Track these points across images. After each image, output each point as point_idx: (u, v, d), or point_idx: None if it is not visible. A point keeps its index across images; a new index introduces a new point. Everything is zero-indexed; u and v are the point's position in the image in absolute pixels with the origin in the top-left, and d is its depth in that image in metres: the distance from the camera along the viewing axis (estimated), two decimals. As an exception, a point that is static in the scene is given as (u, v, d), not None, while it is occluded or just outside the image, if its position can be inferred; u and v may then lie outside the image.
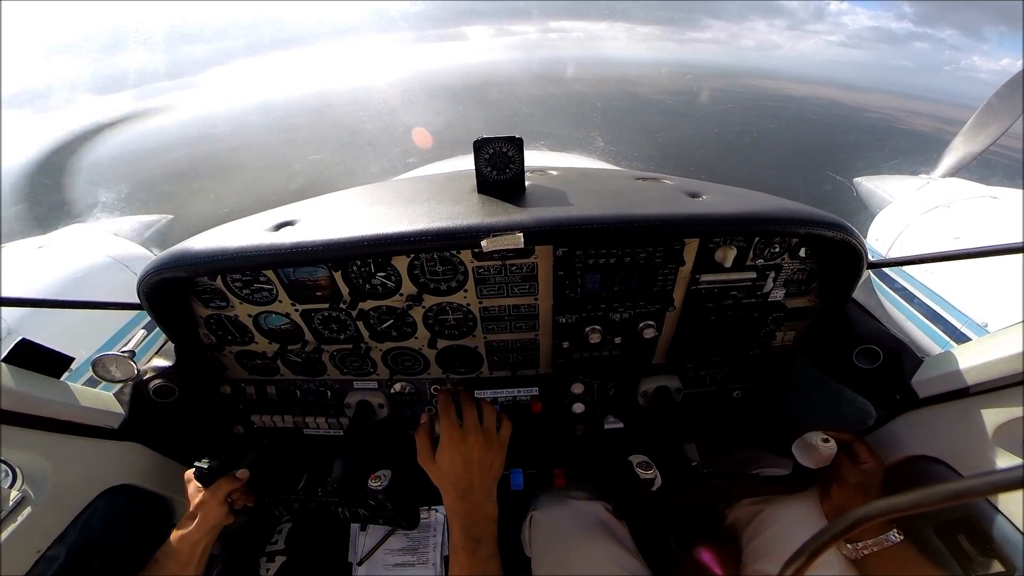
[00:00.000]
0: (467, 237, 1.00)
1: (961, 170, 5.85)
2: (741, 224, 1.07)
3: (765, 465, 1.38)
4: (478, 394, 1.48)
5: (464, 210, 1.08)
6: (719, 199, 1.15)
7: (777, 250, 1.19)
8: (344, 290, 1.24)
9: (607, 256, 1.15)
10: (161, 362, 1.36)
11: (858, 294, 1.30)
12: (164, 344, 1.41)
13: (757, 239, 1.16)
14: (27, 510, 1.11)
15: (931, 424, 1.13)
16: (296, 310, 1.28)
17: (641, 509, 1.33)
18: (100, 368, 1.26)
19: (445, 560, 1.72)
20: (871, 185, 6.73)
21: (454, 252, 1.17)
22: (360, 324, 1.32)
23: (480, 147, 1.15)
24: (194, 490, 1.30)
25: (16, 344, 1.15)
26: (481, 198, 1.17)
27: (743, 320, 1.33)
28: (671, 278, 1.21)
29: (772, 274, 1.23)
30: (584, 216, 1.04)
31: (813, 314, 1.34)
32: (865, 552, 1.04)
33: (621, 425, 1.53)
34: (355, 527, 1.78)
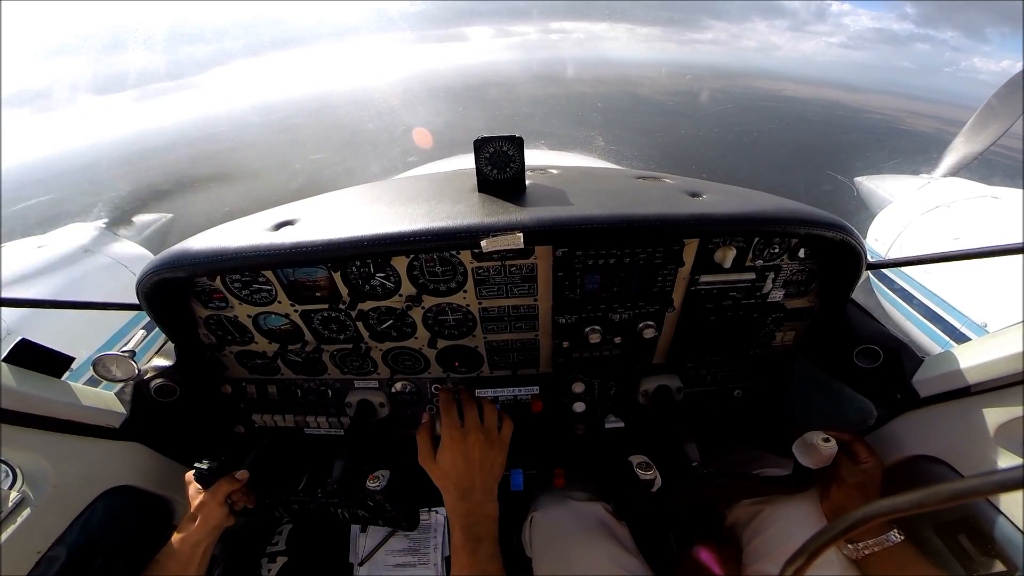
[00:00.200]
0: (467, 237, 1.00)
1: (961, 170, 5.85)
2: (741, 224, 1.07)
3: (765, 465, 1.38)
4: (479, 393, 1.48)
5: (464, 210, 1.08)
6: (720, 198, 1.15)
7: (776, 251, 1.19)
8: (343, 291, 1.24)
9: (607, 256, 1.15)
10: (161, 362, 1.36)
11: (857, 295, 1.30)
12: (164, 344, 1.41)
13: (757, 239, 1.16)
14: (27, 511, 1.11)
15: (931, 424, 1.13)
16: (295, 311, 1.28)
17: (641, 509, 1.32)
18: (101, 368, 1.26)
19: (446, 561, 1.72)
20: (871, 185, 6.73)
21: (454, 252, 1.17)
22: (360, 324, 1.32)
23: (480, 146, 1.15)
24: (194, 491, 1.30)
25: (16, 344, 1.15)
26: (481, 197, 1.17)
27: (742, 320, 1.32)
28: (671, 279, 1.21)
29: (771, 275, 1.23)
30: (584, 216, 1.04)
31: (813, 314, 1.34)
32: (866, 552, 1.04)
33: (622, 424, 1.53)
34: (356, 528, 1.77)
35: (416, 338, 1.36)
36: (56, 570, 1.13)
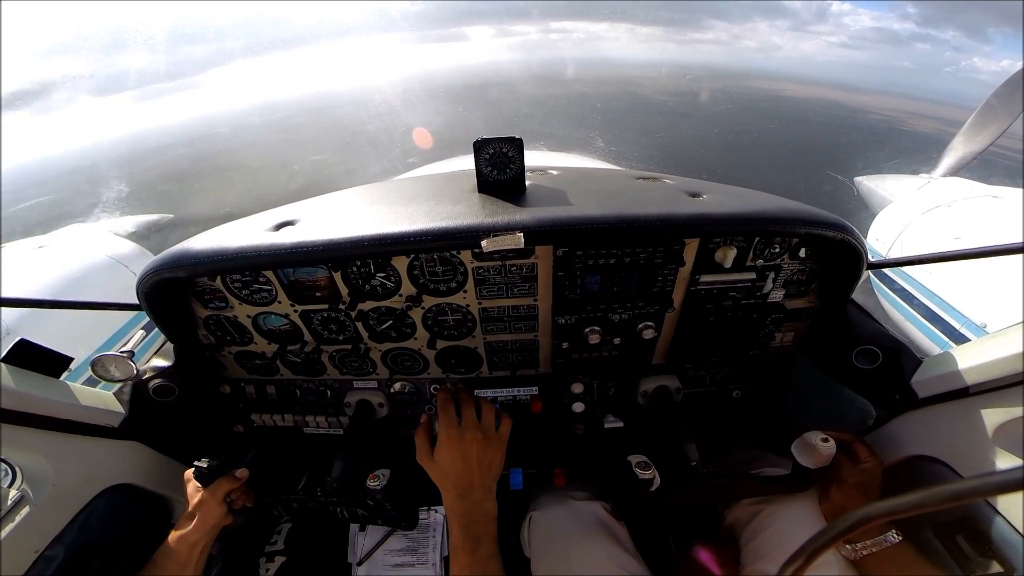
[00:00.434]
0: (467, 237, 1.00)
1: (962, 169, 5.85)
2: (741, 224, 1.07)
3: (765, 465, 1.38)
4: (478, 393, 1.48)
5: (464, 210, 1.08)
6: (720, 198, 1.15)
7: (777, 250, 1.19)
8: (343, 291, 1.24)
9: (607, 256, 1.15)
10: (160, 362, 1.36)
11: (857, 294, 1.30)
12: (163, 344, 1.41)
13: (757, 239, 1.16)
14: (26, 509, 1.11)
15: (931, 424, 1.13)
16: (295, 311, 1.28)
17: (641, 509, 1.32)
18: (99, 368, 1.26)
19: (445, 560, 1.72)
20: (872, 185, 6.73)
21: (454, 252, 1.17)
22: (359, 325, 1.32)
23: (480, 147, 1.15)
24: (193, 490, 1.30)
25: (15, 344, 1.15)
26: (481, 198, 1.17)
27: (742, 321, 1.32)
28: (671, 279, 1.21)
29: (772, 275, 1.23)
30: (584, 216, 1.04)
31: (813, 314, 1.34)
32: (864, 553, 1.04)
33: (621, 424, 1.53)
34: (354, 527, 1.77)
35: (416, 339, 1.36)
36: (55, 569, 1.13)
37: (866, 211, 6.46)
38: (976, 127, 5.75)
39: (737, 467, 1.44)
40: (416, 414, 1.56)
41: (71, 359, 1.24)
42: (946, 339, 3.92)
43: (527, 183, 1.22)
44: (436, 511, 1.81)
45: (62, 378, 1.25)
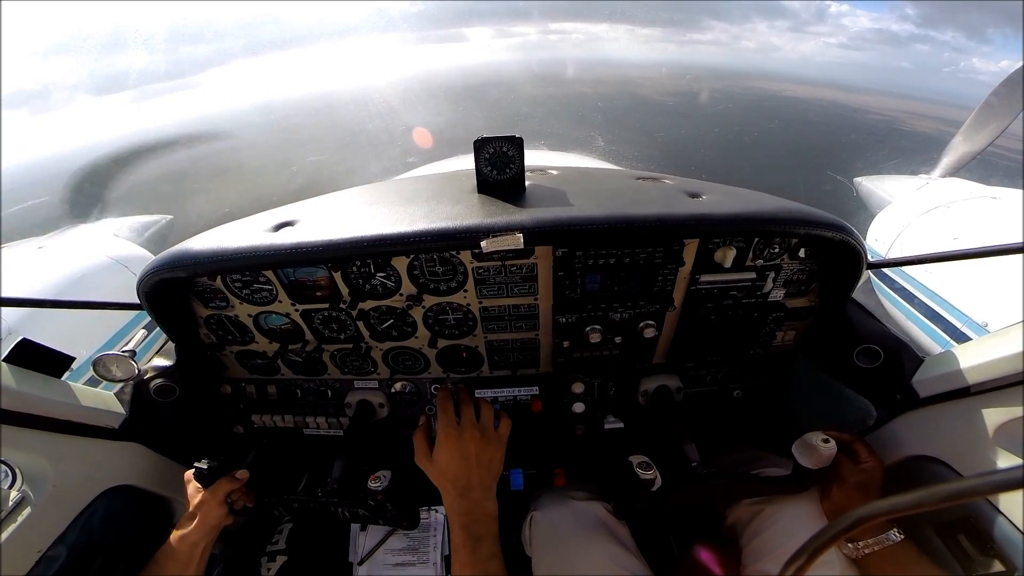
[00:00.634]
0: (467, 238, 1.00)
1: (961, 170, 5.86)
2: (741, 224, 1.07)
3: (765, 465, 1.38)
4: (479, 393, 1.48)
5: (464, 210, 1.08)
6: (719, 199, 1.15)
7: (777, 250, 1.19)
8: (344, 290, 1.24)
9: (607, 256, 1.15)
10: (161, 362, 1.36)
11: (858, 294, 1.30)
12: (164, 344, 1.41)
13: (757, 239, 1.16)
14: (27, 510, 1.11)
15: (931, 424, 1.13)
16: (296, 310, 1.28)
17: (641, 509, 1.32)
18: (101, 368, 1.26)
19: (445, 560, 1.72)
20: (871, 185, 6.73)
21: (454, 252, 1.17)
22: (360, 324, 1.32)
23: (480, 147, 1.15)
24: (194, 490, 1.30)
25: (17, 344, 1.15)
26: (481, 198, 1.17)
27: (743, 320, 1.33)
28: (671, 278, 1.21)
29: (772, 274, 1.23)
30: (584, 216, 1.04)
31: (813, 314, 1.34)
32: (866, 551, 1.04)
33: (621, 425, 1.53)
34: (355, 527, 1.78)
35: (416, 338, 1.36)
36: (56, 569, 1.13)
37: (865, 211, 6.45)
38: (975, 127, 5.75)
39: (738, 467, 1.44)
40: (417, 414, 1.56)
41: (73, 359, 1.24)
42: (947, 338, 3.93)
43: (527, 183, 1.22)
44: (437, 511, 1.81)
45: (64, 378, 1.25)
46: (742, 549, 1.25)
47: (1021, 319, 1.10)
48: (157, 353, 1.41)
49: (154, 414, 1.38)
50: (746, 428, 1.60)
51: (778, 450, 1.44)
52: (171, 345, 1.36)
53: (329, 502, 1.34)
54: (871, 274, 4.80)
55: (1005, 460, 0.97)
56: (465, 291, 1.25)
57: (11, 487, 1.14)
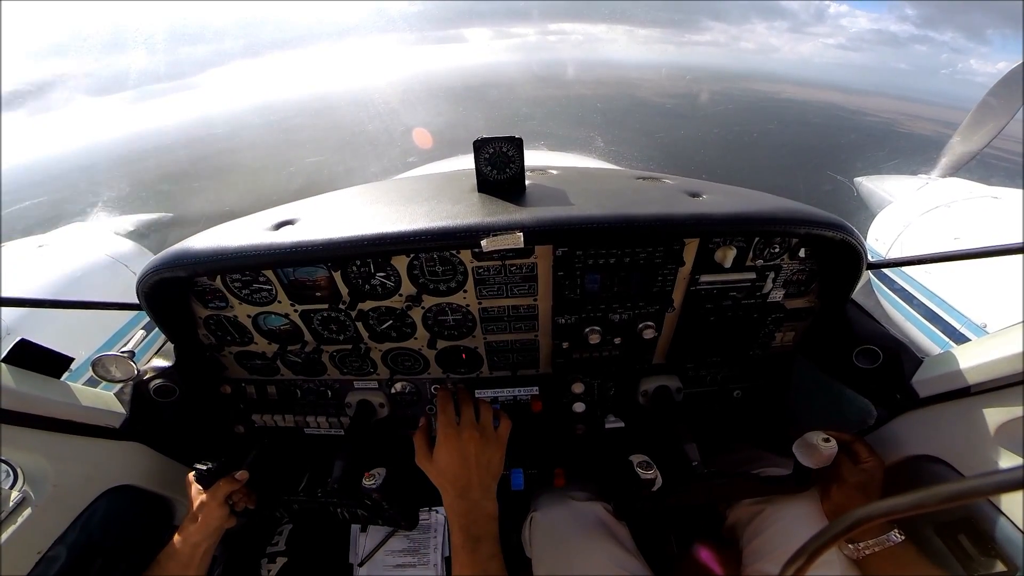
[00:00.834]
0: (467, 237, 1.00)
1: (961, 169, 5.86)
2: (741, 224, 1.07)
3: (766, 465, 1.38)
4: (478, 394, 1.48)
5: (464, 210, 1.08)
6: (719, 199, 1.15)
7: (777, 250, 1.19)
8: (343, 290, 1.24)
9: (607, 256, 1.15)
10: (161, 362, 1.36)
11: (858, 295, 1.30)
12: (164, 344, 1.41)
13: (757, 239, 1.16)
14: (28, 510, 1.11)
15: (932, 424, 1.13)
16: (295, 310, 1.28)
17: (641, 509, 1.32)
18: (100, 368, 1.25)
19: (446, 561, 1.72)
20: (871, 185, 6.74)
21: (454, 252, 1.17)
22: (359, 325, 1.31)
23: (480, 147, 1.15)
24: (195, 492, 1.30)
25: (16, 344, 1.14)
26: (481, 197, 1.17)
27: (742, 320, 1.33)
28: (671, 278, 1.21)
29: (772, 274, 1.23)
30: (584, 216, 1.04)
31: (813, 314, 1.34)
32: (866, 552, 1.04)
33: (621, 424, 1.53)
34: (356, 528, 1.77)
35: (416, 338, 1.36)
36: (56, 570, 1.13)
37: (866, 211, 6.46)
38: (973, 126, 5.76)
39: (738, 467, 1.44)
40: (416, 414, 1.56)
41: (72, 359, 1.24)
42: (946, 339, 3.93)
43: (527, 183, 1.22)
44: (437, 511, 1.81)
45: (63, 378, 1.25)
46: (742, 549, 1.25)
47: (1021, 319, 1.10)
48: (156, 353, 1.41)
49: (154, 414, 1.38)
50: (746, 428, 1.60)
51: (778, 450, 1.44)
52: (170, 345, 1.36)
53: (328, 502, 1.34)
54: (871, 274, 4.80)
55: (1006, 460, 0.97)
56: (465, 291, 1.25)
57: (12, 487, 1.14)
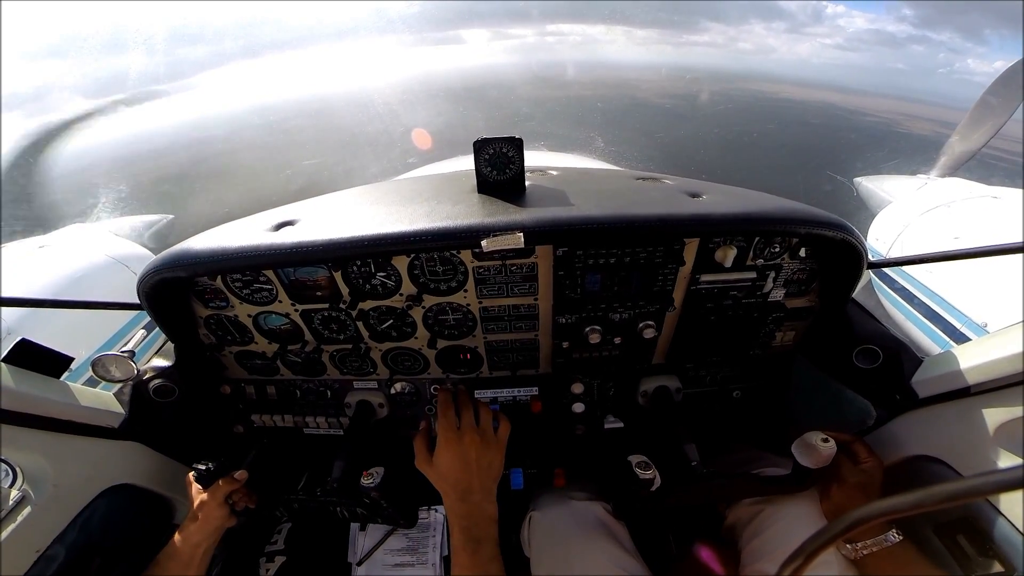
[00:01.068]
0: (467, 237, 1.00)
1: (960, 168, 5.86)
2: (741, 224, 1.07)
3: (765, 465, 1.38)
4: (478, 394, 1.48)
5: (464, 210, 1.08)
6: (719, 199, 1.15)
7: (777, 250, 1.19)
8: (344, 290, 1.24)
9: (607, 256, 1.15)
10: (161, 362, 1.36)
11: (858, 294, 1.30)
12: (164, 344, 1.41)
13: (757, 239, 1.16)
14: (27, 509, 1.11)
15: (931, 424, 1.13)
16: (296, 310, 1.28)
17: (641, 509, 1.32)
18: (100, 368, 1.26)
19: (445, 560, 1.72)
20: (871, 185, 6.73)
21: (454, 252, 1.17)
22: (360, 324, 1.32)
23: (480, 147, 1.15)
24: (196, 492, 1.30)
25: (16, 344, 1.15)
26: (481, 198, 1.17)
27: (743, 320, 1.33)
28: (671, 278, 1.21)
29: (772, 274, 1.23)
30: (584, 216, 1.04)
31: (813, 314, 1.34)
32: (864, 552, 1.04)
33: (621, 425, 1.53)
34: (355, 527, 1.78)
35: (416, 338, 1.36)
36: (55, 569, 1.13)
37: (866, 211, 6.46)
38: (972, 125, 5.76)
39: (737, 467, 1.44)
40: (416, 414, 1.56)
41: (72, 359, 1.24)
42: (947, 339, 3.92)
43: (527, 183, 1.23)
44: (436, 511, 1.81)
45: (63, 378, 1.25)
46: (741, 549, 1.25)
47: (1021, 319, 1.10)
48: (156, 353, 1.41)
49: (154, 414, 1.38)
50: (746, 428, 1.60)
51: (778, 450, 1.44)
52: (170, 345, 1.36)
53: (327, 501, 1.34)
54: (871, 274, 4.80)
55: (1005, 460, 0.97)
56: (465, 291, 1.25)
57: (11, 486, 1.14)
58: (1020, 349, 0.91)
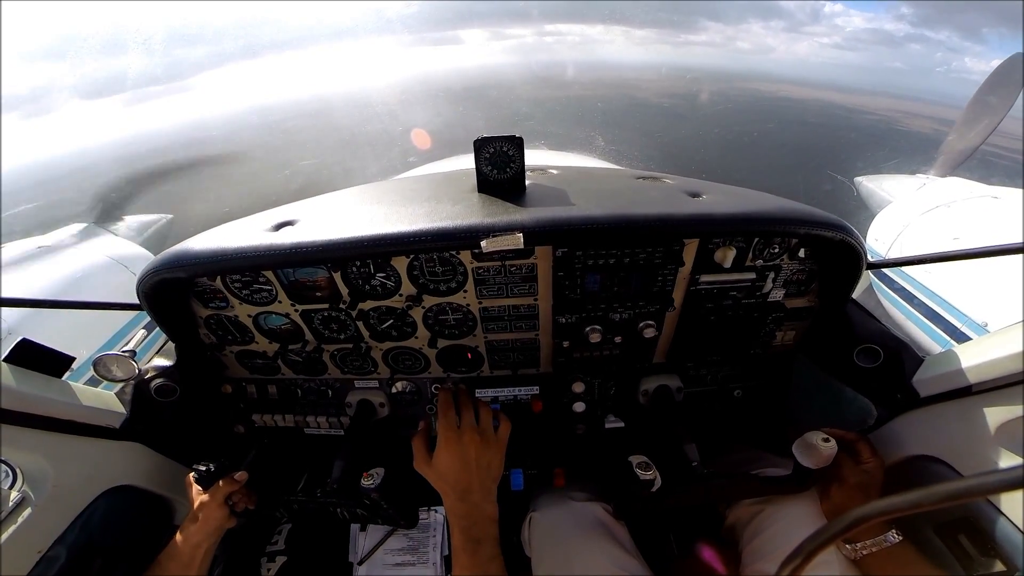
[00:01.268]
0: (466, 238, 1.00)
1: (960, 167, 5.86)
2: (741, 224, 1.07)
3: (765, 465, 1.38)
4: (479, 393, 1.49)
5: (464, 210, 1.08)
6: (720, 199, 1.15)
7: (777, 250, 1.19)
8: (344, 290, 1.24)
9: (607, 257, 1.15)
10: (162, 362, 1.36)
11: (858, 295, 1.30)
12: (164, 344, 1.41)
13: (757, 239, 1.16)
14: (27, 510, 1.11)
15: (932, 423, 1.13)
16: (296, 310, 1.28)
17: (641, 509, 1.32)
18: (101, 367, 1.26)
19: (445, 560, 1.72)
20: (871, 185, 6.73)
21: (453, 253, 1.17)
22: (360, 324, 1.32)
23: (480, 146, 1.15)
24: (196, 493, 1.30)
25: (17, 344, 1.15)
26: (481, 197, 1.17)
27: (743, 320, 1.33)
28: (671, 278, 1.21)
29: (771, 274, 1.23)
30: (584, 216, 1.04)
31: (813, 314, 1.34)
32: (864, 552, 1.04)
33: (622, 424, 1.53)
34: (355, 527, 1.77)
35: (416, 338, 1.36)
36: (56, 569, 1.13)
37: (865, 211, 6.45)
38: (969, 123, 5.76)
39: (738, 467, 1.44)
40: (417, 414, 1.56)
41: (73, 359, 1.24)
42: (947, 338, 3.93)
43: (527, 182, 1.22)
44: (436, 511, 1.81)
45: (64, 378, 1.25)
46: (742, 550, 1.25)
47: (1021, 319, 1.10)
48: (157, 353, 1.41)
49: (154, 414, 1.38)
50: (746, 428, 1.60)
51: (778, 450, 1.44)
52: (171, 345, 1.36)
53: (328, 502, 1.34)
54: (871, 274, 4.80)
55: (1006, 460, 0.97)
56: (465, 291, 1.25)
57: (11, 487, 1.14)
58: (1021, 348, 0.91)
